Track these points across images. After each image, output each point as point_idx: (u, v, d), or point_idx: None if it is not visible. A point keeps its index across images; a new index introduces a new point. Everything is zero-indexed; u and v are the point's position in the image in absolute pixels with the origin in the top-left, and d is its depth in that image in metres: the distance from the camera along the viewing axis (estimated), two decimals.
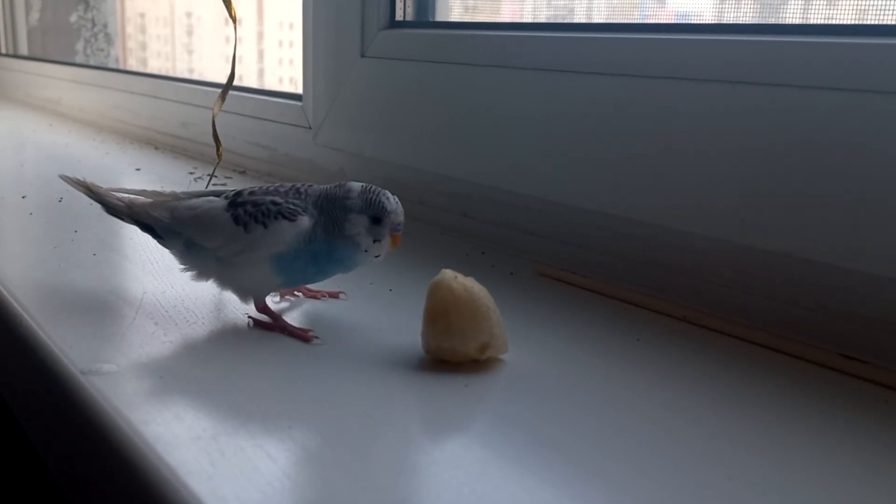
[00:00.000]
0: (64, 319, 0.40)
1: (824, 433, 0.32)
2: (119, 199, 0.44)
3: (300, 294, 0.45)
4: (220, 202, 0.41)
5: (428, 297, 0.36)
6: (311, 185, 0.41)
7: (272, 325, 0.40)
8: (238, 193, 0.41)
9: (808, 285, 0.40)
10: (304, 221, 0.39)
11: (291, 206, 0.40)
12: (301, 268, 0.40)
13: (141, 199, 0.44)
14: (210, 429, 0.30)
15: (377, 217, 0.39)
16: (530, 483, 0.28)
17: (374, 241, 0.40)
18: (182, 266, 0.43)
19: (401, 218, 0.40)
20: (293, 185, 0.41)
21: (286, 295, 0.45)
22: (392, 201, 0.40)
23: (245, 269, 0.40)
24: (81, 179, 0.46)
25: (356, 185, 0.40)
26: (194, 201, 0.42)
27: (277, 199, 0.40)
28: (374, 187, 0.40)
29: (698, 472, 0.29)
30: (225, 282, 0.42)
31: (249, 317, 0.41)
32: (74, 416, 0.33)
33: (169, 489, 0.27)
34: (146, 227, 0.43)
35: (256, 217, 0.39)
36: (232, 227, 0.40)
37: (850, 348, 0.38)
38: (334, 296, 0.45)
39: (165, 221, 0.42)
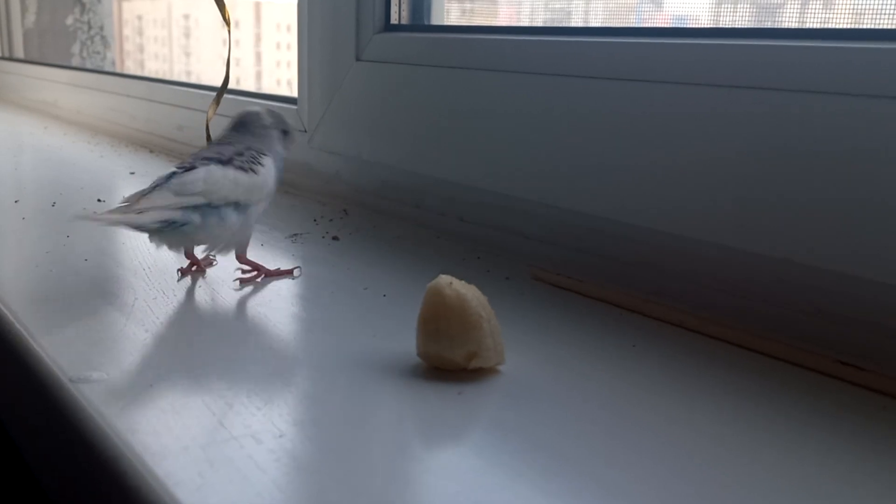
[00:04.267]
0: (54, 326, 0.40)
1: (821, 440, 0.31)
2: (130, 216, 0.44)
3: (259, 279, 0.48)
4: (214, 167, 0.45)
5: (422, 301, 0.36)
6: (231, 134, 0.50)
7: (258, 272, 0.48)
8: (197, 158, 0.46)
9: (805, 291, 0.40)
10: (264, 148, 0.49)
11: (255, 149, 0.48)
12: (274, 187, 0.49)
13: (142, 203, 0.43)
14: (199, 438, 0.30)
15: (284, 130, 0.51)
16: (525, 491, 0.27)
17: (285, 149, 0.51)
18: (211, 244, 0.47)
19: (288, 125, 0.52)
20: (222, 135, 0.50)
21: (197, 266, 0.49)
22: (275, 113, 0.52)
23: (255, 209, 0.47)
24: (93, 214, 0.44)
25: (251, 110, 0.51)
26: (188, 176, 0.44)
27: (240, 148, 0.48)
28: (259, 109, 0.51)
29: (695, 479, 0.28)
30: (242, 233, 0.47)
31: (236, 280, 0.47)
32: (63, 425, 0.33)
33: (157, 499, 0.26)
34: (165, 224, 0.43)
35: (256, 162, 0.47)
36: (245, 176, 0.46)
37: (848, 354, 0.38)
38: (289, 273, 0.49)
39: (174, 205, 0.43)
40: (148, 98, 1.01)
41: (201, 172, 0.45)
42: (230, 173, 0.45)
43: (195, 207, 0.44)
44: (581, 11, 0.62)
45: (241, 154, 0.47)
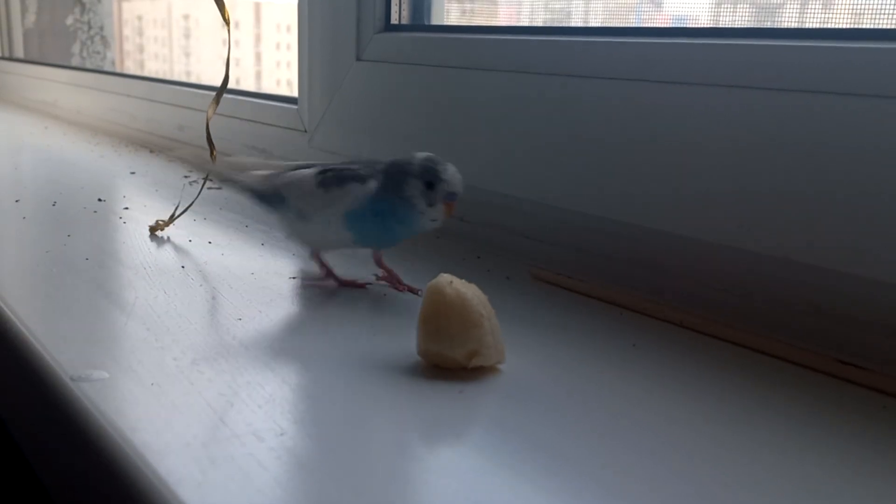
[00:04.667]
0: (55, 324, 0.40)
1: (821, 439, 0.31)
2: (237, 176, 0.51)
3: (385, 282, 0.48)
4: (311, 171, 0.47)
5: (423, 300, 0.36)
6: (386, 159, 0.47)
7: (324, 276, 0.48)
8: (326, 167, 0.48)
9: (805, 289, 0.40)
10: (371, 183, 0.45)
11: (363, 172, 0.46)
12: (369, 224, 0.45)
13: (256, 171, 0.50)
14: (200, 436, 0.30)
15: (430, 182, 0.43)
16: (526, 490, 0.27)
17: (429, 206, 0.44)
18: (278, 226, 0.50)
19: (455, 188, 0.44)
20: (370, 159, 0.47)
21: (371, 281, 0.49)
22: (448, 170, 0.44)
23: (322, 224, 0.46)
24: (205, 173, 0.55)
25: (420, 154, 0.45)
26: (292, 173, 0.49)
27: (353, 166, 0.46)
28: (435, 157, 0.44)
29: (695, 479, 0.28)
30: (304, 237, 0.48)
31: (298, 277, 0.48)
32: (64, 423, 0.33)
33: (158, 497, 0.26)
34: (257, 196, 0.50)
35: (335, 180, 0.46)
36: (316, 188, 0.46)
37: (848, 353, 0.38)
38: (413, 291, 0.47)
39: (268, 189, 0.49)
40: (148, 98, 1.01)
41: (296, 174, 0.48)
42: (306, 180, 0.47)
43: (276, 195, 0.48)
44: (581, 12, 0.62)
45: (335, 170, 0.46)
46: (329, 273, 0.48)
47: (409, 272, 0.49)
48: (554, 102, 0.51)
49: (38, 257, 0.51)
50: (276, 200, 0.48)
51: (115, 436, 0.30)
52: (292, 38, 0.75)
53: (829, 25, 0.44)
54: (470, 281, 0.37)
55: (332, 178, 0.46)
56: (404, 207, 0.44)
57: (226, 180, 0.52)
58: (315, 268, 0.49)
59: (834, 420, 0.33)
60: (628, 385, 0.36)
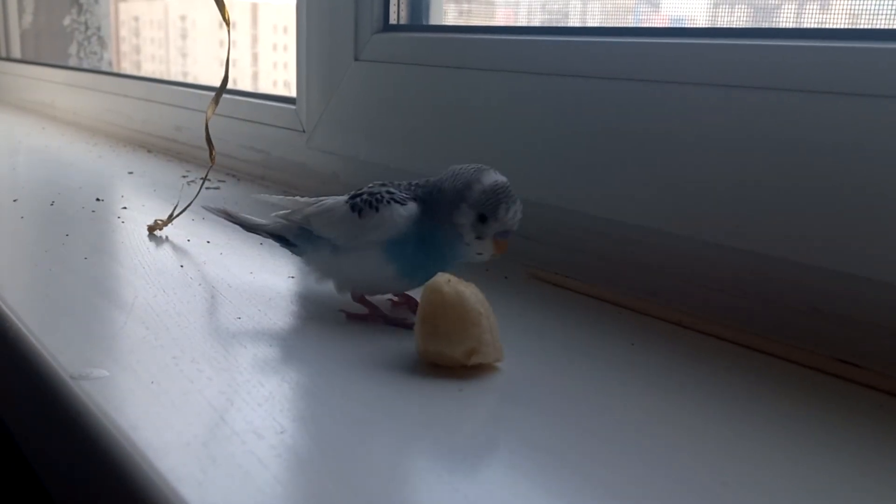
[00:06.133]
0: (54, 324, 0.40)
1: (819, 438, 0.32)
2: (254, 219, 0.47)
3: (369, 321, 0.42)
4: (343, 198, 0.43)
5: (420, 299, 0.36)
6: (431, 178, 0.42)
7: (369, 316, 0.42)
8: (360, 191, 0.43)
9: (802, 289, 0.40)
10: (412, 206, 0.40)
11: (403, 194, 0.41)
12: (411, 253, 0.40)
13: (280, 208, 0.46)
14: (201, 435, 0.30)
15: (483, 215, 0.39)
16: (523, 488, 0.27)
17: (477, 238, 0.39)
18: (307, 268, 0.45)
19: (509, 226, 0.39)
20: (413, 181, 0.42)
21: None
22: (507, 209, 0.39)
23: (359, 257, 0.41)
24: (222, 208, 0.49)
25: (488, 180, 0.39)
26: (318, 201, 0.44)
27: (392, 189, 0.41)
28: (502, 188, 0.39)
29: (693, 478, 0.28)
30: (339, 276, 0.42)
31: (342, 311, 0.42)
32: (64, 422, 0.33)
33: (159, 495, 0.27)
34: (280, 240, 0.45)
35: (370, 203, 0.41)
36: (348, 214, 0.41)
37: (845, 352, 0.38)
38: (408, 326, 0.41)
39: (293, 223, 0.44)
40: (146, 98, 1.01)
41: (327, 202, 0.43)
42: (337, 208, 0.42)
43: (303, 232, 0.43)
44: (579, 12, 0.62)
45: (371, 194, 0.41)
46: (374, 311, 0.42)
47: None
48: (551, 102, 0.51)
49: (36, 257, 0.51)
50: (303, 238, 0.43)
51: (115, 434, 0.30)
52: (289, 40, 0.75)
53: (827, 26, 0.44)
54: (468, 280, 0.37)
55: (367, 202, 0.41)
56: (451, 235, 0.40)
57: (247, 227, 0.47)
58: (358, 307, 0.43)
59: (831, 418, 0.33)
60: (626, 384, 0.36)
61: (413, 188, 0.42)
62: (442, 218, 0.40)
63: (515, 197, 0.39)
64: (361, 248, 0.41)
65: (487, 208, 0.39)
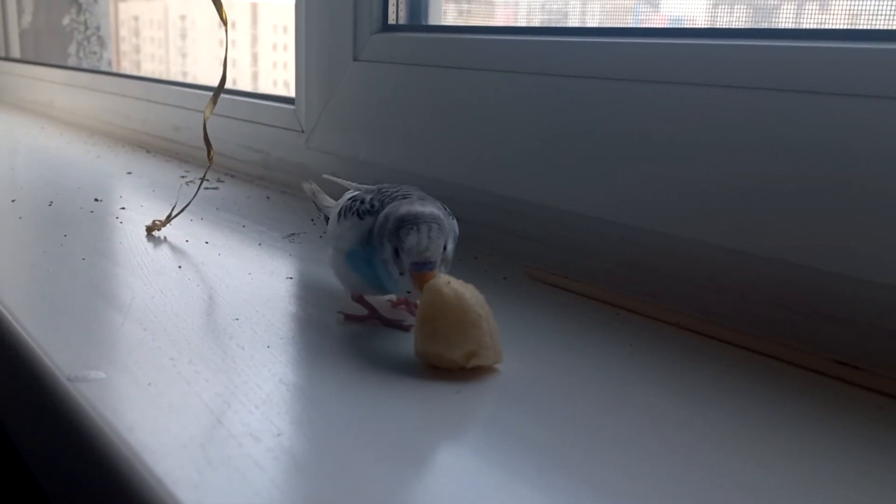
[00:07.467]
0: (51, 325, 0.40)
1: (818, 440, 0.32)
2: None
3: (367, 322, 0.42)
4: (348, 194, 0.43)
5: (420, 300, 0.36)
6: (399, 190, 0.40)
7: (365, 317, 0.41)
8: (368, 190, 0.42)
9: (801, 291, 0.40)
10: (367, 223, 0.38)
11: (371, 206, 0.39)
12: (365, 270, 0.39)
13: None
14: (197, 437, 0.30)
15: (396, 249, 0.36)
16: (522, 491, 0.27)
17: (400, 274, 0.37)
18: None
19: (424, 257, 0.36)
20: (413, 191, 0.41)
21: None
22: (414, 238, 0.35)
23: (336, 260, 0.42)
24: (312, 188, 0.51)
25: (400, 211, 0.36)
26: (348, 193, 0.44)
27: (372, 197, 0.40)
28: (412, 217, 0.36)
29: (691, 480, 0.28)
30: (336, 274, 0.43)
31: (340, 312, 0.42)
32: (61, 424, 0.33)
33: (155, 498, 0.26)
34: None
35: (347, 210, 0.41)
36: (334, 218, 0.42)
37: (844, 354, 0.38)
38: (406, 328, 0.41)
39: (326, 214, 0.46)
40: (145, 98, 1.01)
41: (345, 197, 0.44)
42: (336, 206, 0.43)
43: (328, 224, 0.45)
44: (578, 12, 0.62)
45: (355, 199, 0.41)
46: (372, 312, 0.41)
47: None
48: (550, 103, 0.51)
49: (34, 257, 0.51)
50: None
51: (111, 436, 0.30)
52: (289, 39, 0.75)
53: (826, 26, 0.44)
54: (467, 281, 0.37)
55: (348, 207, 0.40)
56: (383, 268, 0.38)
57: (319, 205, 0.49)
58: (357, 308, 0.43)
59: (830, 420, 0.33)
60: (625, 385, 0.36)
61: (386, 198, 0.40)
62: (379, 250, 0.38)
63: (429, 224, 0.36)
64: (336, 252, 0.42)
65: (396, 240, 0.36)
